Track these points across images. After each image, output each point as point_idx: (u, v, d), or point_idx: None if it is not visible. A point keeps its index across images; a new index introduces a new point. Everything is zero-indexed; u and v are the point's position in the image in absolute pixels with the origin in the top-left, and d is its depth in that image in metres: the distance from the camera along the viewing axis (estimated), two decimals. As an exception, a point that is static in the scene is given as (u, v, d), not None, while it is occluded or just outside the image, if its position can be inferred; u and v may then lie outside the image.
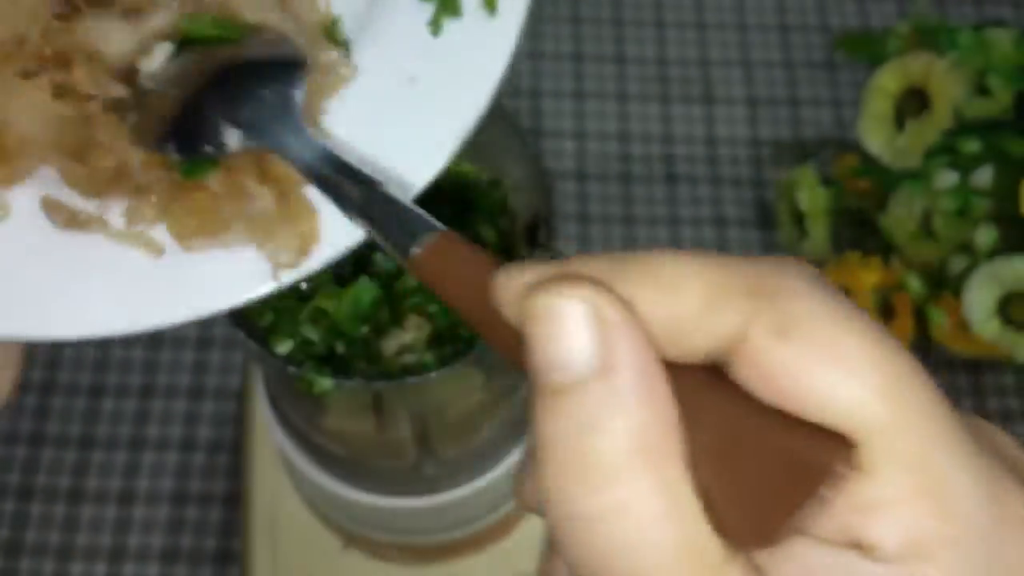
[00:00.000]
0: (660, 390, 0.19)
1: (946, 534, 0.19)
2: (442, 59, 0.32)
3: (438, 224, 0.23)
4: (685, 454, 0.19)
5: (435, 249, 0.23)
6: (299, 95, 0.29)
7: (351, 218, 0.26)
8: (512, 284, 0.21)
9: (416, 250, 0.23)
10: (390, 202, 0.25)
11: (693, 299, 0.20)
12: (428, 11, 0.32)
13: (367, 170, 0.26)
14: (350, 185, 0.26)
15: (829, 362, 0.19)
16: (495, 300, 0.21)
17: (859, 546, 0.19)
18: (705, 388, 0.20)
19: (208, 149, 0.29)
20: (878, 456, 0.19)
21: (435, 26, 0.32)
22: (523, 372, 0.21)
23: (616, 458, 0.19)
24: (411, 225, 0.24)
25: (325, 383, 0.38)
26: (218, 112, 0.29)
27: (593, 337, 0.19)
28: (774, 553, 0.20)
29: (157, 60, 0.31)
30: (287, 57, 0.30)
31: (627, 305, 0.20)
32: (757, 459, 0.19)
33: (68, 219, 0.30)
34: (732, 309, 0.20)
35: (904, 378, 0.20)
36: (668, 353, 0.20)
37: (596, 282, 0.20)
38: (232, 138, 0.29)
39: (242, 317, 0.40)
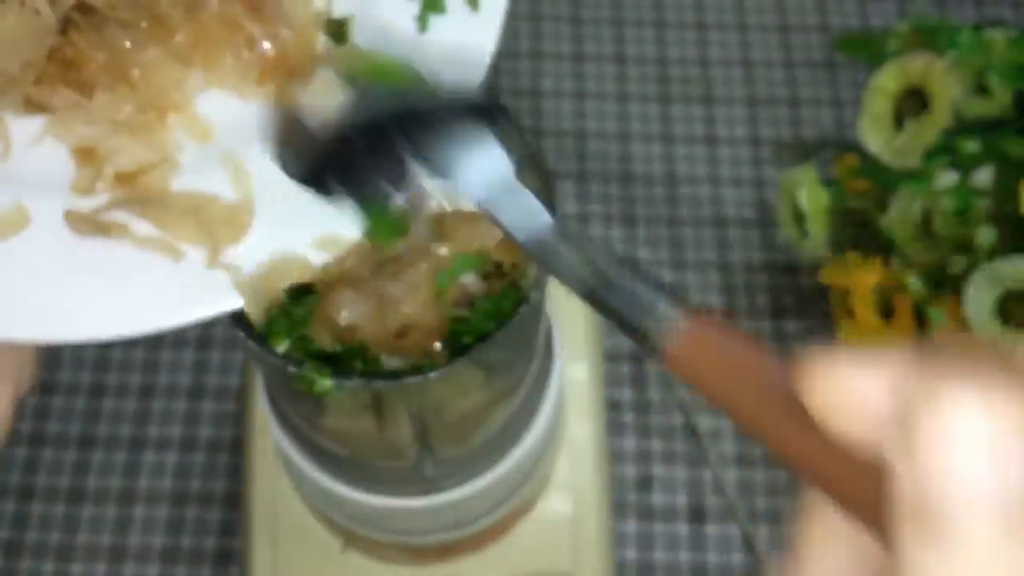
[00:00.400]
0: None
1: None
2: (429, 54, 0.33)
3: (681, 300, 0.20)
4: None
5: (692, 337, 0.19)
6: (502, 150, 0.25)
7: (579, 294, 0.22)
8: (840, 378, 0.17)
9: (669, 340, 0.19)
10: (625, 276, 0.20)
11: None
12: (414, 8, 0.33)
13: (603, 247, 0.22)
14: (581, 259, 0.22)
15: None
16: (809, 400, 0.17)
17: None
18: None
19: (384, 187, 0.25)
20: None
21: (422, 22, 0.33)
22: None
23: None
24: (648, 303, 0.19)
25: (325, 383, 0.38)
26: (407, 149, 0.25)
27: (996, 469, 0.15)
28: None
29: (325, 95, 0.28)
30: (479, 102, 0.27)
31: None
32: None
33: (92, 227, 0.31)
34: None
35: None
36: None
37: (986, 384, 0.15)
38: (422, 180, 0.25)
39: (242, 317, 0.40)
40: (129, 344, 0.69)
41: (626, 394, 0.70)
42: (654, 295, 0.19)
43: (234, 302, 0.31)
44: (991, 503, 0.15)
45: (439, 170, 0.25)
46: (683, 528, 0.66)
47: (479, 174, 0.24)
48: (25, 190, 0.31)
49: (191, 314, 0.31)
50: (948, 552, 0.15)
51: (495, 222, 0.24)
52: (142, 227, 0.31)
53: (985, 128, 0.62)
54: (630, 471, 0.68)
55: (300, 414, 0.46)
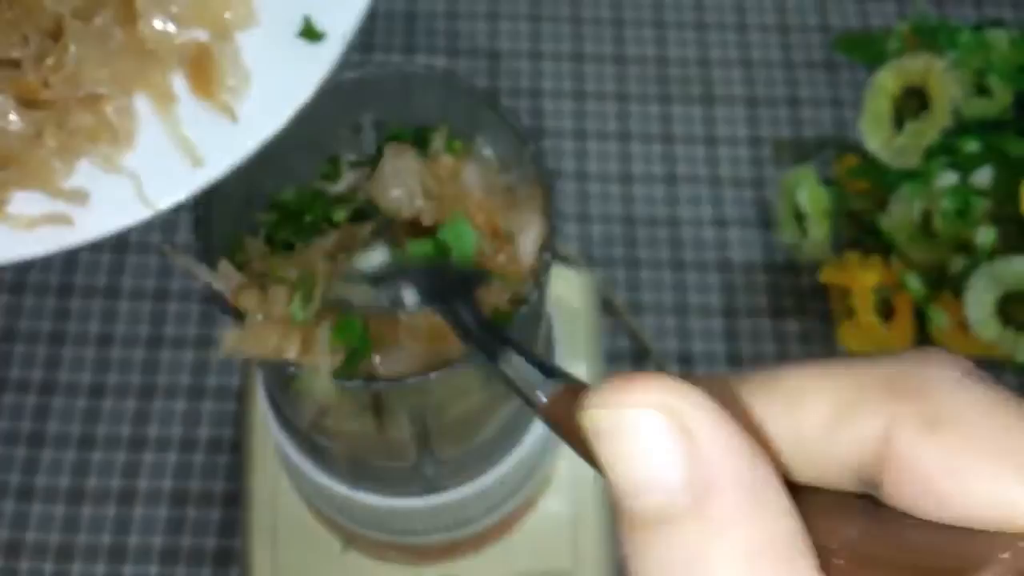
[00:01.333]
0: (777, 504, 0.16)
1: None
2: None
3: (570, 376, 0.24)
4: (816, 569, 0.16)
5: (559, 399, 0.23)
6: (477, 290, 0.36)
7: (491, 370, 0.29)
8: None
9: (542, 399, 0.24)
10: (524, 355, 0.27)
11: (821, 410, 0.17)
12: None
13: (509, 335, 0.29)
14: (495, 344, 0.29)
15: (992, 456, 0.16)
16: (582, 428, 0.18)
17: None
18: (839, 506, 0.18)
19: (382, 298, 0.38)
20: None
21: None
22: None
23: None
24: (539, 376, 0.25)
25: (326, 384, 0.38)
26: (408, 280, 0.37)
27: (677, 453, 0.16)
28: None
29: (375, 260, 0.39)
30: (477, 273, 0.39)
31: (717, 406, 0.16)
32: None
33: None
34: (870, 413, 0.17)
35: None
36: (805, 475, 0.18)
37: (673, 382, 0.16)
38: (409, 298, 0.36)
39: (242, 317, 0.40)
40: (129, 343, 0.69)
41: (626, 394, 0.70)
42: (543, 370, 0.24)
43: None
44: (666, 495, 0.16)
45: (428, 300, 0.36)
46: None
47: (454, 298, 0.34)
48: None
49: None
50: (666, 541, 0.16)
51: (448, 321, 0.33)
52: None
53: (985, 128, 0.62)
54: (630, 471, 0.68)
55: (300, 414, 0.46)
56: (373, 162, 0.43)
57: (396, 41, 0.80)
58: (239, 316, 0.38)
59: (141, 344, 0.70)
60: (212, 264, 0.39)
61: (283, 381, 0.44)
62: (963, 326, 0.61)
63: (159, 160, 0.31)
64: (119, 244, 0.72)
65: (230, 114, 0.31)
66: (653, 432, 0.16)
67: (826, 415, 0.17)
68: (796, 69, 0.80)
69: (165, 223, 0.73)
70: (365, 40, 0.80)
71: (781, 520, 0.16)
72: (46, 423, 0.67)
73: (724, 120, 0.78)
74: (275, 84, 0.32)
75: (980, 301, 0.59)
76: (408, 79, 0.43)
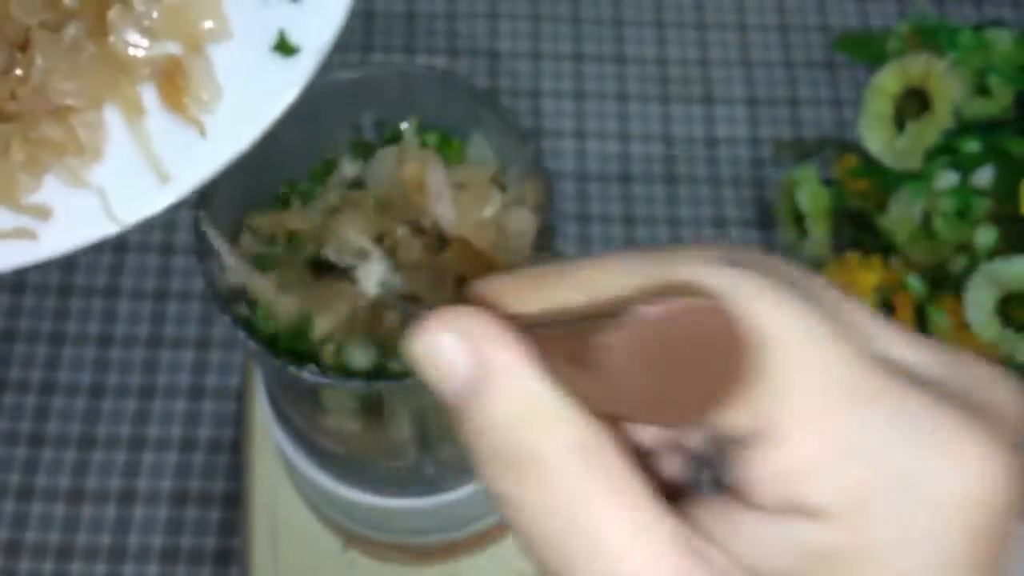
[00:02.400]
0: (523, 348, 0.21)
1: (876, 482, 0.19)
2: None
3: None
4: (584, 402, 0.21)
5: None
6: None
7: None
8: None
9: None
10: None
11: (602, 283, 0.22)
12: None
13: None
14: None
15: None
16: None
17: (803, 511, 0.20)
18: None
19: None
20: (793, 414, 0.20)
21: None
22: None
23: (523, 429, 0.20)
24: None
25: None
26: None
27: (464, 351, 0.21)
28: (724, 527, 0.20)
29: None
30: None
31: (490, 317, 0.21)
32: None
33: None
34: (630, 274, 0.22)
35: (816, 329, 0.20)
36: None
37: (461, 310, 0.21)
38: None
39: (240, 320, 0.40)
40: (129, 344, 0.69)
41: (626, 394, 0.70)
42: None
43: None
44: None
45: None
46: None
47: None
48: None
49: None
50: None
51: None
52: None
53: (985, 128, 0.62)
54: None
55: (300, 414, 0.46)
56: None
57: (396, 41, 0.80)
58: (238, 320, 0.38)
59: (141, 344, 0.70)
60: (212, 263, 0.39)
61: (283, 381, 0.44)
62: (963, 326, 0.61)
63: (127, 175, 0.31)
64: (119, 244, 0.72)
65: (200, 127, 0.31)
66: (445, 341, 0.21)
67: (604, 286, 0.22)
68: (796, 69, 0.80)
69: (165, 223, 0.73)
70: (365, 40, 0.80)
71: (533, 364, 0.21)
72: (46, 423, 0.67)
73: (724, 120, 0.78)
74: (247, 99, 0.31)
75: (980, 301, 0.59)
76: (408, 79, 0.43)
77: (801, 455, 0.20)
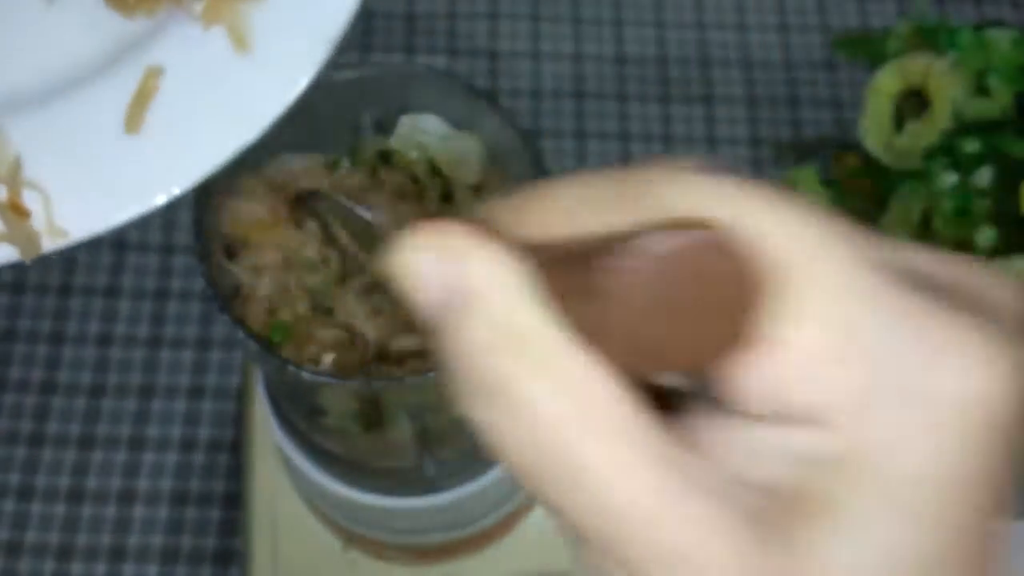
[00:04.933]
0: (515, 267, 0.19)
1: (876, 387, 0.19)
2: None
3: None
4: (575, 323, 0.19)
5: None
6: None
7: None
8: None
9: None
10: None
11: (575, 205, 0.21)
12: None
13: None
14: None
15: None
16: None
17: (797, 419, 0.19)
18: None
19: None
20: (794, 312, 0.19)
21: None
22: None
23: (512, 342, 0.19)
24: None
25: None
26: None
27: (442, 265, 0.20)
28: (715, 436, 0.20)
29: None
30: None
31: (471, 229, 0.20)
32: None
33: None
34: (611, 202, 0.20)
35: (820, 233, 0.20)
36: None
37: (444, 226, 0.20)
38: None
39: (240, 322, 0.40)
40: (129, 344, 0.69)
41: (626, 394, 0.70)
42: None
43: None
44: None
45: None
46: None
47: None
48: None
49: None
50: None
51: None
52: None
53: (985, 129, 0.62)
54: (630, 471, 0.68)
55: (300, 414, 0.46)
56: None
57: (396, 41, 0.80)
58: (237, 320, 0.38)
59: (141, 344, 0.70)
60: (211, 263, 0.39)
61: (283, 381, 0.44)
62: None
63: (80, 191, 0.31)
64: (119, 244, 0.72)
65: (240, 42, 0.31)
66: (422, 255, 0.20)
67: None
68: (796, 69, 0.80)
69: (165, 223, 0.73)
70: (365, 40, 0.80)
71: (522, 279, 0.19)
72: (46, 423, 0.67)
73: (724, 120, 0.78)
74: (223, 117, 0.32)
75: (980, 301, 0.59)
76: (407, 79, 0.43)
77: (797, 360, 0.19)
